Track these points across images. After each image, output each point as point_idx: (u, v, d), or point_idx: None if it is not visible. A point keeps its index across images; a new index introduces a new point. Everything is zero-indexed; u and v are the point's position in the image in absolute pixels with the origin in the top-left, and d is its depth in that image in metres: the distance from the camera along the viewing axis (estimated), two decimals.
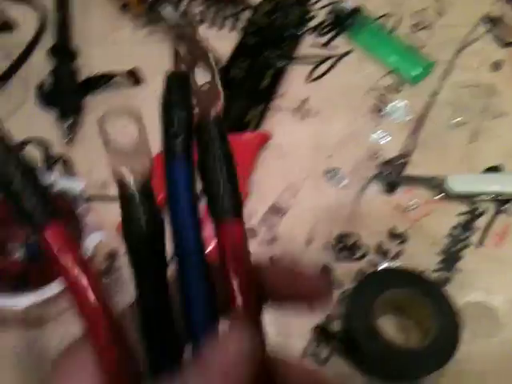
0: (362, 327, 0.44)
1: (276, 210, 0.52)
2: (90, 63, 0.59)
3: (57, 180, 0.49)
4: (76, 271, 0.22)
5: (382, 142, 0.57)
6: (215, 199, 0.23)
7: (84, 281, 0.22)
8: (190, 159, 0.24)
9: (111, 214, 0.50)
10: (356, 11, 0.64)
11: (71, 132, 0.54)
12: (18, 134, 0.55)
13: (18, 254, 0.47)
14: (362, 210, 0.53)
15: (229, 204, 0.23)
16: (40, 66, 0.59)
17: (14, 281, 0.45)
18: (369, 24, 0.63)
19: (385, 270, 0.49)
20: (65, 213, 0.48)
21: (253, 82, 0.58)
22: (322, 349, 0.46)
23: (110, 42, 0.61)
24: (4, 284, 0.45)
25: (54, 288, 0.43)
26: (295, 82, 0.60)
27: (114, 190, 0.54)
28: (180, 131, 0.24)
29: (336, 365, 0.46)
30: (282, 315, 0.47)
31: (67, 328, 0.45)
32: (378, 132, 0.57)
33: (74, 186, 0.48)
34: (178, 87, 0.24)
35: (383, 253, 0.51)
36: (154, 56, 0.60)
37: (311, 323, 0.47)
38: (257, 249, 0.50)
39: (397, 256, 0.51)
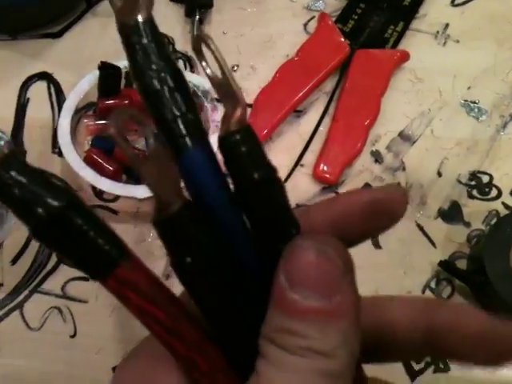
0: (498, 269, 0.40)
1: (405, 137, 0.49)
2: None
3: (185, 74, 0.46)
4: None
5: None
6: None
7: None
8: (204, 140, 0.19)
9: None
10: None
11: (198, 29, 0.51)
12: None
13: (140, 144, 0.45)
14: (499, 149, 0.49)
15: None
16: None
17: (135, 171, 0.44)
18: None
19: None
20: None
21: None
22: (444, 286, 0.43)
23: None
24: (128, 174, 0.44)
25: None
26: (438, 4, 0.55)
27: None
28: (179, 112, 0.19)
29: (458, 303, 0.43)
30: (407, 246, 0.45)
31: None
32: None
33: (202, 81, 0.46)
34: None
35: None
36: None
37: (436, 258, 0.44)
38: (381, 175, 0.47)
39: None
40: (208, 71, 0.20)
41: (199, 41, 0.19)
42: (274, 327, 0.18)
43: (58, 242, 0.18)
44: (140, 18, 0.19)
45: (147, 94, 0.19)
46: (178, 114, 0.19)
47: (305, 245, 0.18)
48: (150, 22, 0.19)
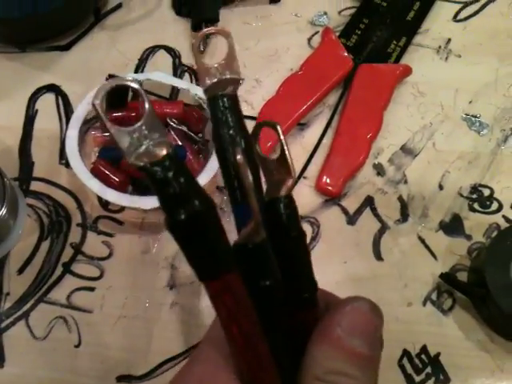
0: (499, 282, 0.41)
1: (408, 151, 0.49)
2: None
3: (191, 87, 0.47)
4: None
5: None
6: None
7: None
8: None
9: None
10: None
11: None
12: (150, 38, 0.54)
13: None
14: (500, 163, 0.49)
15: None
16: None
17: (141, 182, 0.45)
18: None
19: None
20: (198, 121, 0.46)
21: (397, 14, 0.54)
22: (445, 298, 0.44)
23: None
24: (134, 185, 0.45)
25: None
26: (440, 20, 0.56)
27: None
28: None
29: (459, 316, 0.43)
30: (408, 258, 0.45)
31: None
32: None
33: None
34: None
35: None
36: None
37: (438, 270, 0.44)
38: (383, 188, 0.48)
39: None
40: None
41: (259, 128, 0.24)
42: (328, 369, 0.22)
43: (188, 240, 0.20)
44: (227, 93, 0.23)
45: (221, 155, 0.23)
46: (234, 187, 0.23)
47: (363, 303, 0.23)
48: (234, 97, 0.23)
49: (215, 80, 0.22)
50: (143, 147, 0.19)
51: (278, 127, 0.24)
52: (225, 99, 0.23)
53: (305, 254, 0.24)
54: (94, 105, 0.19)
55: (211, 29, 0.24)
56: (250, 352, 0.22)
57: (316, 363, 0.22)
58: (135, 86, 0.20)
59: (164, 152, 0.19)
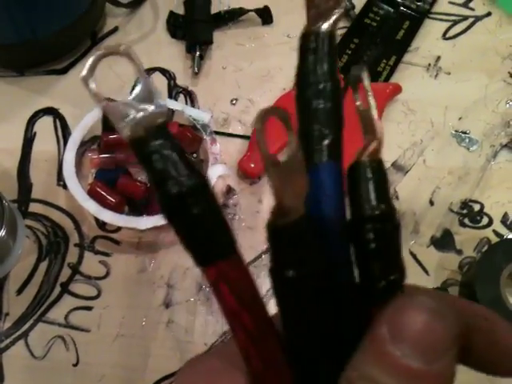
0: (489, 296, 0.42)
1: (399, 167, 0.50)
2: None
3: (185, 108, 0.48)
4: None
5: None
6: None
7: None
8: (341, 159, 0.20)
9: (231, 150, 0.50)
10: None
11: (198, 65, 0.53)
12: (145, 60, 0.55)
13: (141, 177, 0.47)
14: (490, 178, 0.50)
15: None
16: None
17: (137, 203, 0.46)
18: None
19: None
20: (192, 141, 0.47)
21: (387, 33, 0.55)
22: None
23: None
24: (130, 206, 0.46)
25: None
26: (430, 38, 0.57)
27: (234, 128, 0.54)
28: (328, 131, 0.20)
29: None
30: None
31: (178, 258, 0.46)
32: None
33: (201, 115, 0.48)
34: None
35: (509, 224, 0.48)
36: None
37: (429, 285, 0.45)
38: None
39: None
40: (357, 103, 0.22)
41: (356, 80, 0.22)
42: (362, 374, 0.17)
43: (180, 219, 0.18)
44: (323, 28, 0.20)
45: (303, 105, 0.20)
46: (326, 132, 0.20)
47: (419, 301, 0.17)
48: (332, 34, 0.20)
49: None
50: (135, 119, 0.18)
51: (366, 82, 0.21)
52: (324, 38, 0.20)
53: (393, 232, 0.19)
54: (83, 79, 0.18)
55: None
56: (252, 347, 0.19)
57: (353, 363, 0.18)
58: (123, 49, 0.19)
59: (155, 124, 0.18)
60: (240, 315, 0.19)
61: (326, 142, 0.20)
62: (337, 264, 0.20)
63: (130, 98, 0.18)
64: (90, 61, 0.19)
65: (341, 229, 0.20)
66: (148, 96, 0.18)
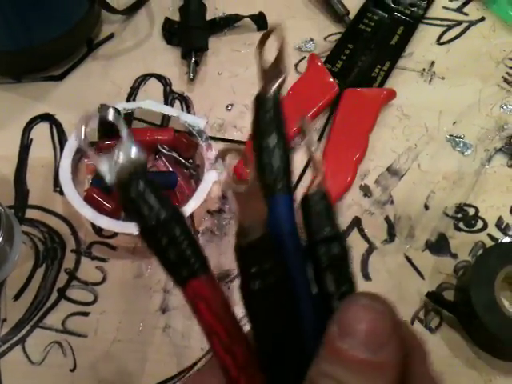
0: (483, 300, 0.42)
1: (393, 172, 0.51)
2: (215, 4, 0.59)
3: (180, 114, 0.49)
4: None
5: (510, 115, 0.54)
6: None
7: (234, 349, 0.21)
8: (291, 194, 0.24)
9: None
10: None
11: (193, 71, 0.53)
12: (141, 67, 0.56)
13: None
14: (484, 182, 0.50)
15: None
16: (167, 1, 0.59)
17: None
18: None
19: (509, 242, 0.47)
20: (188, 146, 0.48)
21: (381, 38, 0.56)
22: (432, 316, 0.45)
23: None
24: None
25: None
26: (423, 43, 0.57)
27: (230, 134, 0.54)
28: (280, 174, 0.24)
29: (446, 334, 0.44)
30: (396, 277, 0.46)
31: None
32: (508, 104, 0.54)
33: (197, 121, 0.48)
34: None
35: (504, 228, 0.48)
36: (279, 2, 0.59)
37: (425, 289, 0.45)
38: (370, 209, 0.49)
39: None
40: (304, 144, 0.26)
41: (303, 124, 0.26)
42: (320, 371, 0.19)
43: (157, 245, 0.21)
44: (271, 92, 0.25)
45: (260, 151, 0.24)
46: (279, 171, 0.24)
47: (359, 300, 0.20)
48: (277, 97, 0.25)
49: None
50: (118, 166, 0.21)
51: (308, 128, 0.26)
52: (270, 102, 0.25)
53: (343, 252, 0.23)
54: (78, 140, 0.22)
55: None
56: (228, 358, 0.21)
57: (313, 363, 0.20)
58: (111, 118, 0.22)
59: (133, 168, 0.21)
60: (216, 329, 0.21)
61: (280, 182, 0.24)
62: (295, 278, 0.23)
63: (116, 151, 0.21)
64: (81, 127, 0.22)
65: (296, 248, 0.23)
66: (128, 145, 0.22)
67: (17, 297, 0.45)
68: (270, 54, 0.26)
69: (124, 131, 0.22)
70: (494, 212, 0.49)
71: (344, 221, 0.48)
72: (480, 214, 0.49)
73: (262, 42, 0.26)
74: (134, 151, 0.21)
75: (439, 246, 0.48)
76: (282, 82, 0.25)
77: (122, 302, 0.45)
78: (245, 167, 0.22)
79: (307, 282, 0.24)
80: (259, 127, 0.25)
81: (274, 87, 0.25)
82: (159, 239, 0.21)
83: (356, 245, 0.47)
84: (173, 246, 0.21)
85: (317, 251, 0.23)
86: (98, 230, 0.47)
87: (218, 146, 0.50)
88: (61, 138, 0.51)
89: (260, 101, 0.25)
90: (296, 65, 0.55)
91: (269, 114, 0.24)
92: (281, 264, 0.22)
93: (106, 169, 0.21)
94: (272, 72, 0.25)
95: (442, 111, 0.54)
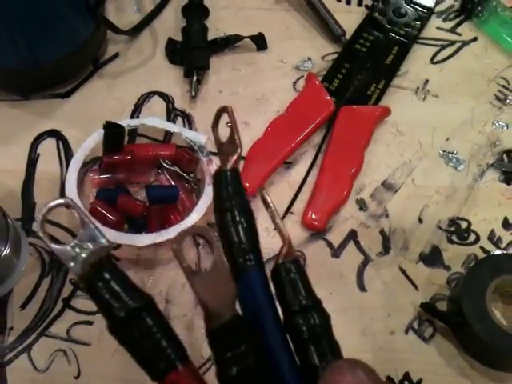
0: (475, 310, 0.43)
1: (388, 186, 0.52)
2: (217, 25, 0.61)
3: (182, 130, 0.51)
4: None
5: (502, 132, 0.55)
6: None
7: None
8: (263, 269, 0.24)
9: None
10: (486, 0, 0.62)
11: (195, 89, 0.55)
12: (145, 85, 0.58)
13: (140, 196, 0.49)
14: (477, 196, 0.52)
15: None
16: (170, 22, 0.61)
17: (137, 221, 0.47)
18: (499, 13, 0.62)
19: (501, 254, 0.48)
20: (190, 161, 0.49)
21: (377, 58, 0.58)
22: (426, 327, 0.46)
23: (238, 7, 0.62)
24: (129, 223, 0.47)
25: (171, 233, 0.45)
26: (418, 63, 0.59)
27: None
28: (249, 250, 0.23)
29: (439, 343, 0.45)
30: (390, 288, 0.47)
31: (176, 274, 0.47)
32: (500, 121, 0.56)
33: (198, 137, 0.50)
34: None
35: (495, 241, 0.50)
36: (278, 24, 0.62)
37: (418, 300, 0.46)
38: (366, 222, 0.50)
39: (510, 245, 0.50)
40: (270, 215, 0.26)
41: (264, 195, 0.26)
42: None
43: (130, 339, 0.21)
44: (228, 167, 0.26)
45: (223, 225, 0.24)
46: (246, 246, 0.24)
47: (340, 368, 0.20)
48: (235, 172, 0.26)
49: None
50: (81, 258, 0.21)
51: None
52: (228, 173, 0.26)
53: (322, 321, 0.23)
54: (36, 230, 0.23)
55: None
56: None
57: None
58: (67, 202, 0.22)
59: (95, 260, 0.21)
60: None
61: (250, 257, 0.23)
62: (277, 353, 0.23)
63: (75, 240, 0.21)
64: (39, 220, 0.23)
65: (275, 323, 0.23)
66: (91, 235, 0.21)
67: (23, 306, 0.46)
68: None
69: (87, 219, 0.21)
70: (486, 225, 0.51)
71: (340, 233, 0.50)
72: (472, 228, 0.50)
73: (216, 121, 0.28)
74: (98, 240, 0.21)
75: (433, 258, 0.49)
76: (238, 158, 0.26)
77: None
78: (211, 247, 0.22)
79: (291, 355, 0.23)
80: (220, 204, 0.25)
81: (231, 162, 0.25)
82: (131, 332, 0.20)
83: (352, 257, 0.49)
84: (146, 338, 0.20)
85: (295, 323, 0.22)
86: None
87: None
88: (67, 154, 0.53)
89: (218, 177, 0.25)
90: (294, 83, 0.57)
91: (229, 188, 0.25)
92: (257, 343, 0.21)
93: (69, 259, 0.21)
94: (228, 148, 0.26)
95: (435, 128, 0.55)
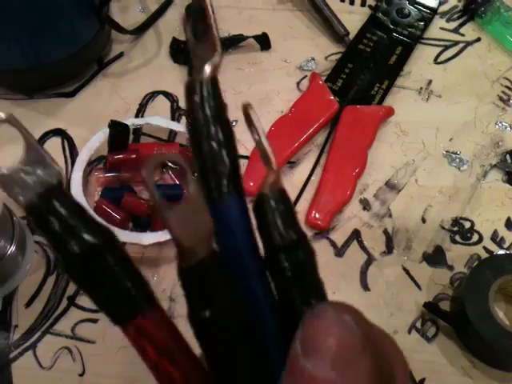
0: (478, 310, 0.43)
1: (392, 186, 0.52)
2: (220, 25, 0.61)
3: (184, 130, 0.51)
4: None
5: (505, 132, 0.56)
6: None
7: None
8: (242, 197, 0.20)
9: None
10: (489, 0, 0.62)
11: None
12: (149, 84, 0.58)
13: (145, 195, 0.49)
14: (480, 196, 0.52)
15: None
16: (174, 21, 0.61)
17: (141, 220, 0.48)
18: (502, 13, 0.62)
19: (504, 254, 0.48)
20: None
21: (380, 58, 0.58)
22: (429, 326, 0.46)
23: (241, 7, 0.63)
24: (134, 222, 0.48)
25: None
26: (421, 63, 0.59)
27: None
28: (224, 168, 0.19)
29: (442, 343, 0.46)
30: (393, 288, 0.48)
31: None
32: (503, 122, 0.56)
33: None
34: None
35: (498, 241, 0.50)
36: (282, 24, 0.62)
37: (421, 300, 0.47)
38: (369, 221, 0.51)
39: None
40: (255, 137, 0.21)
41: (246, 109, 0.21)
42: None
43: (86, 279, 0.18)
44: (204, 76, 0.20)
45: (197, 148, 0.20)
46: (223, 169, 0.20)
47: (323, 313, 0.17)
48: (213, 81, 0.20)
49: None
50: (27, 186, 0.17)
51: (252, 112, 0.21)
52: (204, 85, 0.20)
53: (306, 258, 0.20)
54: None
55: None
56: None
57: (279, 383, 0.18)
58: (5, 117, 0.18)
59: (46, 187, 0.17)
60: (166, 369, 0.19)
61: (224, 180, 0.20)
62: (256, 295, 0.20)
63: (18, 164, 0.18)
64: None
65: (255, 260, 0.20)
66: (38, 159, 0.18)
67: (28, 304, 0.46)
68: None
69: (33, 140, 0.18)
70: (489, 225, 0.51)
71: (344, 233, 0.50)
72: (475, 228, 0.51)
73: (188, 14, 0.20)
74: (47, 165, 0.18)
75: (436, 257, 0.49)
76: (218, 64, 0.20)
77: None
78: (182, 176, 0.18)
79: (271, 296, 0.20)
80: (196, 122, 0.20)
81: (209, 69, 0.20)
82: (89, 271, 0.17)
83: (355, 256, 0.49)
84: (107, 279, 0.17)
85: (279, 261, 0.20)
86: None
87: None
88: (72, 152, 0.53)
89: (192, 89, 0.20)
90: (298, 83, 0.58)
91: (206, 106, 0.20)
92: (235, 283, 0.19)
93: (16, 189, 0.17)
94: (203, 51, 0.20)
95: (438, 128, 0.56)
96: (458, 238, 0.50)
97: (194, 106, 0.20)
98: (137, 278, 0.19)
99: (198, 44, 0.20)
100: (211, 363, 0.20)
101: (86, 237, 0.17)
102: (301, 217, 0.51)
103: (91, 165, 0.51)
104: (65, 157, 0.53)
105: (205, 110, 0.20)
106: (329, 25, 0.60)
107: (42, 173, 0.18)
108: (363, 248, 0.49)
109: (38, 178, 0.18)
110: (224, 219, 0.20)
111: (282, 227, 0.20)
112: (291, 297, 0.20)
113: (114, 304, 0.18)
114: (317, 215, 0.50)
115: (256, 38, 0.59)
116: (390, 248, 0.49)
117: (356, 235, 0.50)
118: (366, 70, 0.57)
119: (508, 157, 0.54)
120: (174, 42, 0.59)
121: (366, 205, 0.51)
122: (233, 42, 0.58)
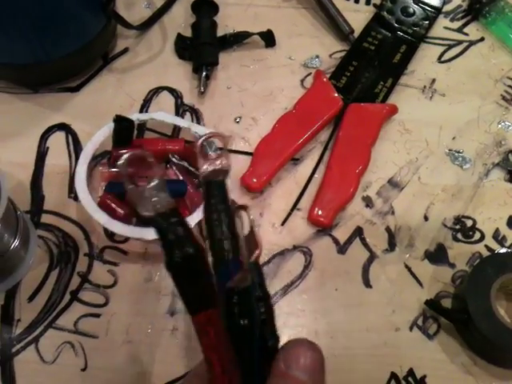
0: (479, 308, 0.43)
1: (394, 184, 0.53)
2: (226, 22, 0.61)
3: (191, 125, 0.51)
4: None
5: (508, 131, 0.56)
6: None
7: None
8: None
9: (234, 165, 0.52)
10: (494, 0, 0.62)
11: (204, 84, 0.56)
12: (154, 80, 0.58)
13: None
14: (482, 195, 0.52)
15: None
16: (180, 18, 0.61)
17: None
18: (506, 13, 0.62)
19: (505, 253, 0.49)
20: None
21: (384, 56, 0.58)
22: (430, 323, 0.46)
23: (247, 4, 0.63)
24: (138, 217, 0.48)
25: None
26: (425, 61, 0.60)
27: (237, 145, 0.55)
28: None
29: (443, 340, 0.46)
30: (395, 285, 0.48)
31: None
32: (506, 121, 0.56)
33: (206, 132, 0.50)
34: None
35: (500, 239, 0.50)
36: (287, 21, 0.62)
37: (423, 297, 0.47)
38: (372, 219, 0.51)
39: None
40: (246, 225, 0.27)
41: (238, 209, 0.27)
42: None
43: (181, 278, 0.24)
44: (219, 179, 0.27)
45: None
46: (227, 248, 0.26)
47: (301, 341, 0.26)
48: (223, 184, 0.27)
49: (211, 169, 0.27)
50: (152, 203, 0.24)
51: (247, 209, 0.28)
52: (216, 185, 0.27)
53: (271, 310, 0.28)
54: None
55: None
56: (225, 378, 0.25)
57: None
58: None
59: (168, 207, 0.24)
60: (217, 348, 0.25)
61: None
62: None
63: (150, 186, 0.25)
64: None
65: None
66: (162, 187, 0.25)
67: (31, 298, 0.46)
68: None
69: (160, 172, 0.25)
70: (491, 224, 0.51)
71: (346, 230, 0.50)
72: (477, 226, 0.51)
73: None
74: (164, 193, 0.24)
75: (438, 255, 0.49)
76: (259, 255, 0.27)
77: (132, 304, 0.47)
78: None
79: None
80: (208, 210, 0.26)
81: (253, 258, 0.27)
82: (186, 274, 0.24)
83: (358, 253, 0.49)
84: (196, 282, 0.24)
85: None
86: (110, 235, 0.49)
87: (227, 157, 0.52)
88: (76, 147, 0.53)
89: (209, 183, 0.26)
90: (302, 80, 0.58)
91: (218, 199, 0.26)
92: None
93: (140, 201, 0.24)
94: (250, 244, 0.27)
95: (442, 127, 0.56)
96: (459, 236, 0.50)
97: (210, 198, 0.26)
98: (210, 281, 0.25)
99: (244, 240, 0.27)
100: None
101: (188, 248, 0.24)
102: (304, 214, 0.51)
103: (95, 160, 0.51)
104: (69, 151, 0.53)
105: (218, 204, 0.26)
106: (334, 23, 0.60)
107: (164, 198, 0.25)
108: (366, 245, 0.50)
109: (160, 199, 0.24)
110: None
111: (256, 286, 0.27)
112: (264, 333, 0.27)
113: (195, 300, 0.25)
114: (320, 212, 0.50)
115: (261, 35, 0.59)
116: (392, 245, 0.50)
117: (358, 232, 0.50)
118: (371, 68, 0.57)
119: (510, 156, 0.54)
120: (180, 39, 0.59)
121: (368, 202, 0.52)
122: (238, 39, 0.59)
